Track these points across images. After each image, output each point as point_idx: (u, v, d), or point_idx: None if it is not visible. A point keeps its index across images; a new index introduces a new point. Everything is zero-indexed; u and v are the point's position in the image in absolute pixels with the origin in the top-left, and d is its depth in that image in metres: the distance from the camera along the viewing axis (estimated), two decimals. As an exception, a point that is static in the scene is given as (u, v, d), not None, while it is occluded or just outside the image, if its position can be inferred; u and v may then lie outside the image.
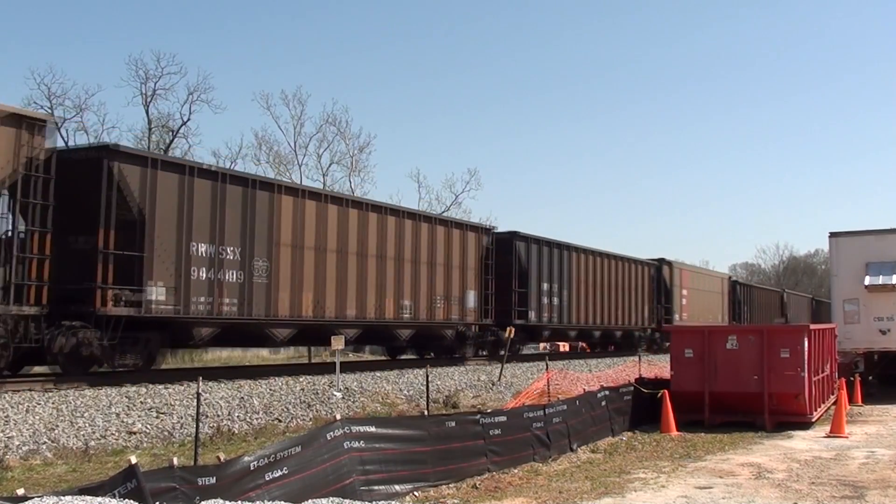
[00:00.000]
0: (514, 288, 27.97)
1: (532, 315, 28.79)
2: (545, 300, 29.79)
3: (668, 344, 35.64)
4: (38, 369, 17.28)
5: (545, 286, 29.78)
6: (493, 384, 20.82)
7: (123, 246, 15.92)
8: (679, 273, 41.95)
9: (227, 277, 17.98)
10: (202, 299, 17.40)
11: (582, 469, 12.13)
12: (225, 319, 18.06)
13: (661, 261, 40.62)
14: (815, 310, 64.44)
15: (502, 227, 29.32)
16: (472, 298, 26.04)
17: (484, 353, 27.85)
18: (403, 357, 27.64)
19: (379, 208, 22.90)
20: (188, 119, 40.38)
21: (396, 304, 22.83)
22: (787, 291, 60.93)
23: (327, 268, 20.65)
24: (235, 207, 18.27)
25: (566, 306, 31.29)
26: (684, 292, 41.76)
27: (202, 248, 17.45)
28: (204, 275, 17.45)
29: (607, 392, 15.79)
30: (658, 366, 24.23)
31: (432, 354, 26.81)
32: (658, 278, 39.77)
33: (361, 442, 9.72)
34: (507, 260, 27.81)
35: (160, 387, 15.73)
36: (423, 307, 23.90)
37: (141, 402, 14.16)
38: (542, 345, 37.77)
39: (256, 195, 18.81)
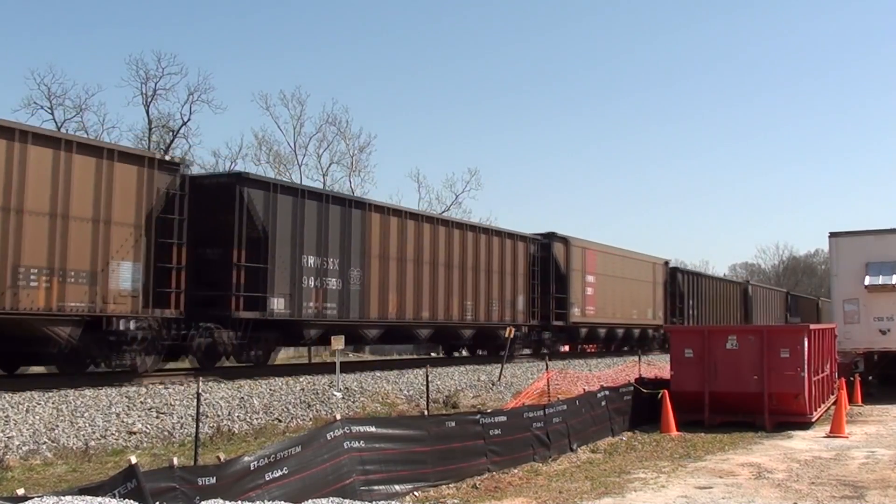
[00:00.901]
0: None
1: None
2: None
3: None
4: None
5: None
6: (493, 384, 20.83)
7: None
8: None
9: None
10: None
11: (582, 469, 12.13)
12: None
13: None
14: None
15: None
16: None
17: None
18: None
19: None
20: (188, 119, 40.56)
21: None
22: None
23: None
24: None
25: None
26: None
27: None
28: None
29: (607, 392, 15.79)
30: (658, 366, 24.24)
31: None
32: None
33: (361, 442, 9.72)
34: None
35: (160, 387, 15.74)
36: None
37: (141, 402, 14.15)
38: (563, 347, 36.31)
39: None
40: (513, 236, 28.55)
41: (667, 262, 41.29)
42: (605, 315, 33.64)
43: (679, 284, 41.14)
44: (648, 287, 38.12)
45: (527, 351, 30.06)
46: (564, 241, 30.83)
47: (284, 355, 38.34)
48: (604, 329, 34.05)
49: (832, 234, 24.36)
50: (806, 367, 16.46)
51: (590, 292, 32.49)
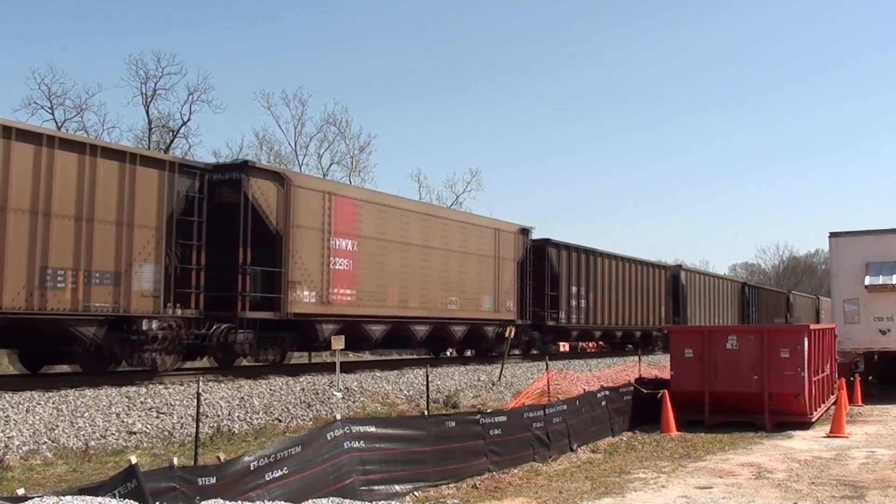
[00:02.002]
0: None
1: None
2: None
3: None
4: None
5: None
6: (493, 384, 20.82)
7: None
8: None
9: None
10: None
11: (582, 469, 12.13)
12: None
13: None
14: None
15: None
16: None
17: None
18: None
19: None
20: (188, 119, 40.56)
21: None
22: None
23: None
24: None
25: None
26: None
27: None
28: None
29: (607, 392, 15.79)
30: (658, 366, 24.24)
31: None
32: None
33: (361, 442, 9.72)
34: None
35: (160, 387, 15.73)
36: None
37: (141, 402, 14.15)
38: (563, 344, 37.03)
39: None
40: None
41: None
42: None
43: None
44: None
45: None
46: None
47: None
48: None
49: (832, 234, 24.36)
50: (806, 367, 16.46)
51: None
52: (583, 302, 31.90)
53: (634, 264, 36.77)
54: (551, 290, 29.69)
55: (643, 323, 37.30)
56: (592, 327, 33.01)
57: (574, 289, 31.34)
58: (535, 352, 30.09)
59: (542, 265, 29.47)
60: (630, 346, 37.65)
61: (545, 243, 29.90)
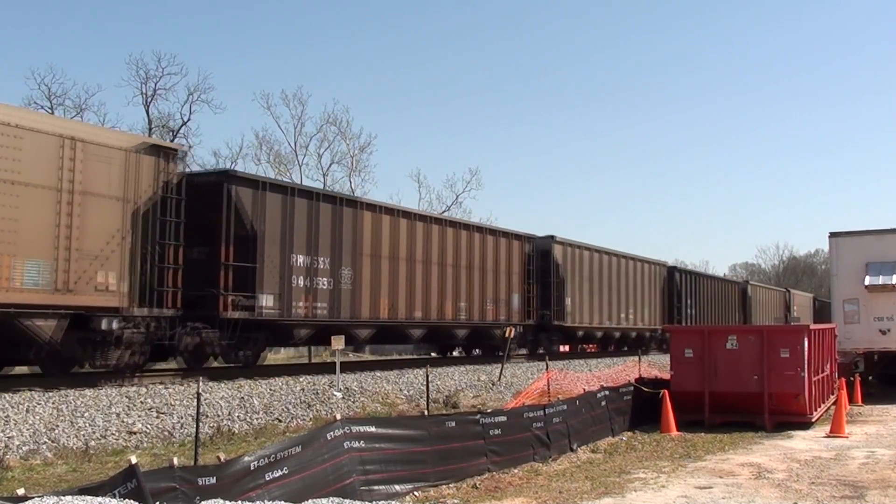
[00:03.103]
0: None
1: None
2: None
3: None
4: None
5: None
6: (493, 384, 20.82)
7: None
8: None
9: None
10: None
11: (582, 469, 12.13)
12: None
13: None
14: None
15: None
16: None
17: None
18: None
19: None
20: (188, 119, 40.58)
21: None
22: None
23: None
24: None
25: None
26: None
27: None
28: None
29: (607, 392, 15.79)
30: (658, 365, 24.25)
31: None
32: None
33: (361, 442, 9.72)
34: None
35: (160, 387, 15.73)
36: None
37: (141, 402, 14.15)
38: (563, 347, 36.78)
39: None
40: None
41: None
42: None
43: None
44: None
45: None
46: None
47: (284, 355, 38.41)
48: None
49: (832, 234, 24.36)
50: (806, 367, 16.46)
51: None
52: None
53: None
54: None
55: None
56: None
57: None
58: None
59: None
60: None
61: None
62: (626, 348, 37.40)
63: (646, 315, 37.42)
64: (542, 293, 29.53)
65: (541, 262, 29.46)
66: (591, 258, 32.78)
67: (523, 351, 29.86)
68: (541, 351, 29.91)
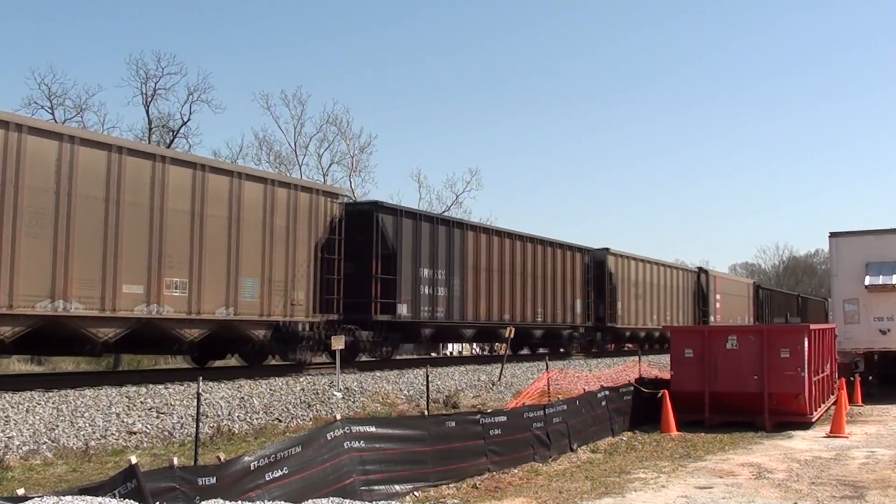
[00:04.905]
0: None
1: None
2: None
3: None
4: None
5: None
6: (493, 384, 20.82)
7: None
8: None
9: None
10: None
11: (582, 469, 12.13)
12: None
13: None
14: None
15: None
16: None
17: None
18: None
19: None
20: (188, 119, 40.49)
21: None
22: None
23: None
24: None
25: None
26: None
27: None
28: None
29: (607, 392, 15.79)
30: (658, 365, 24.25)
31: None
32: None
33: (361, 442, 9.72)
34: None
35: (160, 387, 15.72)
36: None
37: (141, 402, 14.15)
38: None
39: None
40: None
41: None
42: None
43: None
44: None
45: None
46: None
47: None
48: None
49: (832, 234, 24.37)
50: (806, 367, 16.46)
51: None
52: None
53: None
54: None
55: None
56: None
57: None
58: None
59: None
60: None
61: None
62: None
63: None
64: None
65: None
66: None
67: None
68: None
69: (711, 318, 43.82)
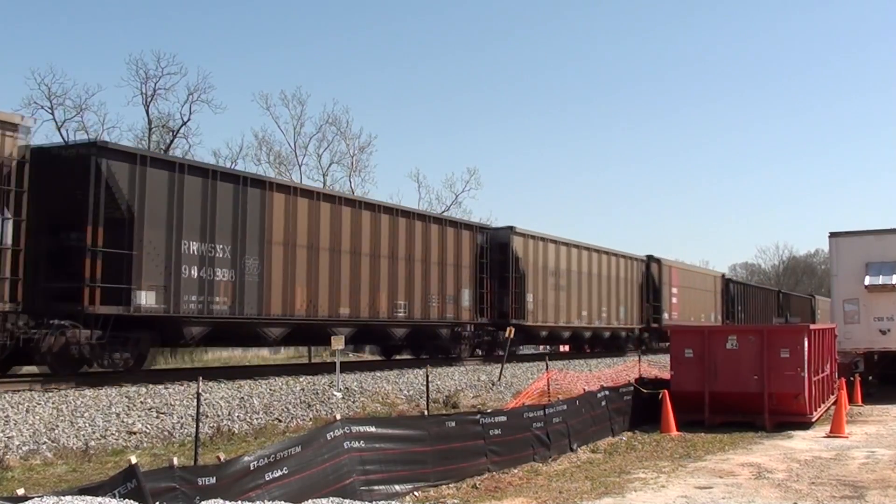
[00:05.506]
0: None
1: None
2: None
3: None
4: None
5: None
6: (493, 384, 20.82)
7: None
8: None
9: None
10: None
11: (582, 469, 12.13)
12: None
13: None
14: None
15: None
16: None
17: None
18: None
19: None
20: (188, 119, 40.32)
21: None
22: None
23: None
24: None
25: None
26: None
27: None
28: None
29: (607, 392, 15.79)
30: (658, 365, 24.24)
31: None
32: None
33: (361, 442, 9.72)
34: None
35: (160, 387, 15.72)
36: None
37: (141, 402, 14.15)
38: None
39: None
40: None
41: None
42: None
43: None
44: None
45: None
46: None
47: (284, 355, 38.38)
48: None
49: (832, 234, 24.37)
50: (806, 367, 16.46)
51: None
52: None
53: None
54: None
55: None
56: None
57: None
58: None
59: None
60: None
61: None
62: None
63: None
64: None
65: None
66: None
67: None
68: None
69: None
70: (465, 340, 26.34)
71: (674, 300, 39.47)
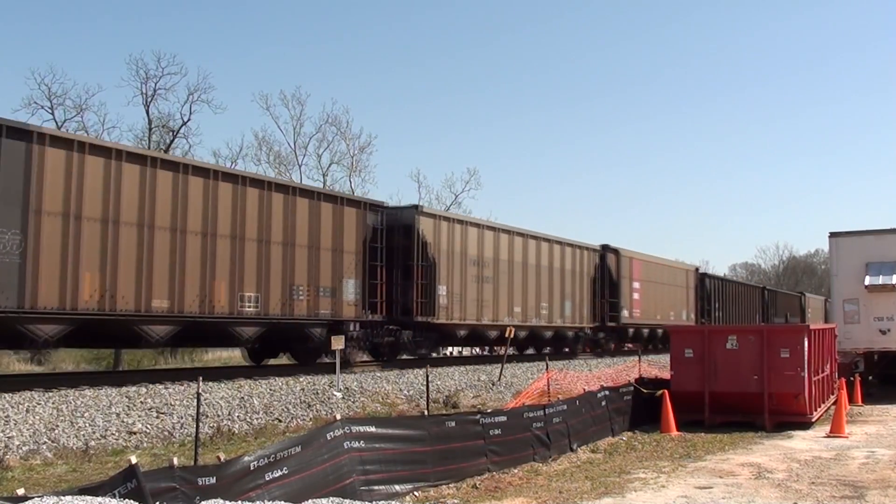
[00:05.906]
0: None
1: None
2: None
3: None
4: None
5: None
6: (493, 384, 20.82)
7: None
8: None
9: None
10: None
11: (582, 469, 12.13)
12: None
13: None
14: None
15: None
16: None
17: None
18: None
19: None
20: (188, 119, 40.36)
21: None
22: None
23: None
24: None
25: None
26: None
27: None
28: None
29: (607, 392, 15.79)
30: (658, 365, 24.24)
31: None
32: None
33: (361, 442, 9.72)
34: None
35: (160, 387, 15.73)
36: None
37: (141, 402, 14.16)
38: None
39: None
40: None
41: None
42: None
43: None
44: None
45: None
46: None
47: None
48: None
49: (832, 234, 24.38)
50: (806, 367, 16.46)
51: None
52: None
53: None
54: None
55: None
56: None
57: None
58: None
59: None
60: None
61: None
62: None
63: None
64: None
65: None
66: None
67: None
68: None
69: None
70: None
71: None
